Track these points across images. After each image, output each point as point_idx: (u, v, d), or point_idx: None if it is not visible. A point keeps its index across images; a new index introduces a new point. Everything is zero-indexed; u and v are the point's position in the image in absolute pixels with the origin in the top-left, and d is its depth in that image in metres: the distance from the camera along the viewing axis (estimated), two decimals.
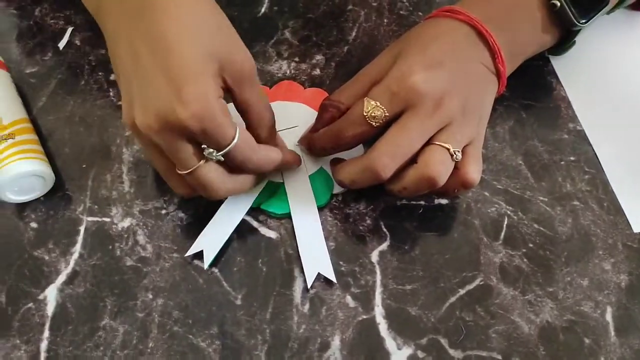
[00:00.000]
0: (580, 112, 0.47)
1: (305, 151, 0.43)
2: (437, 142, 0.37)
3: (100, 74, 0.46)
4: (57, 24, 0.49)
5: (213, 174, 0.35)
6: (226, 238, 0.40)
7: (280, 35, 0.49)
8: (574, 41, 0.45)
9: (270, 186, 0.42)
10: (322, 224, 0.41)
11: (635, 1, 0.49)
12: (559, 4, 0.41)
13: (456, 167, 0.38)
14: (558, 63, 0.49)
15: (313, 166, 0.43)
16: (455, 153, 0.37)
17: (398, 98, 0.37)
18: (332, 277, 0.39)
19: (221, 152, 0.34)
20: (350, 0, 0.52)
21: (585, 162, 0.45)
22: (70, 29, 0.48)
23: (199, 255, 0.40)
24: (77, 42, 0.48)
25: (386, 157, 0.37)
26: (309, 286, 0.39)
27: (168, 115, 0.32)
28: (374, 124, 0.37)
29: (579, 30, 0.43)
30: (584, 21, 0.41)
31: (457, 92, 0.38)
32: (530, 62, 0.48)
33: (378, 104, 0.37)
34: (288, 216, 0.41)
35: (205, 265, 0.39)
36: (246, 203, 0.41)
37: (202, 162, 0.34)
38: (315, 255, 0.40)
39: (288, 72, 0.48)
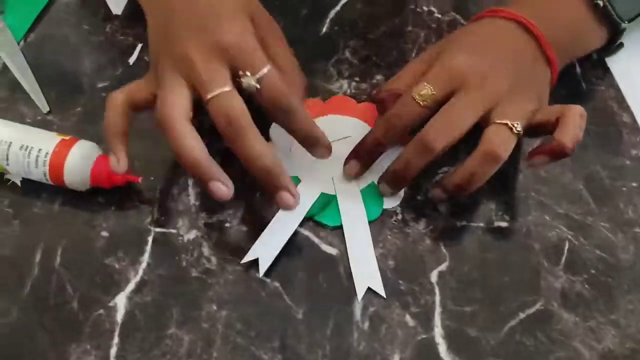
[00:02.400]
0: None
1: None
2: (495, 122, 0.38)
3: None
4: (126, 40, 0.51)
5: (239, 102, 0.37)
6: (281, 247, 0.41)
7: (341, 55, 0.50)
8: (622, 43, 0.46)
9: (323, 198, 0.43)
10: (382, 243, 0.42)
11: None
12: (602, 3, 0.42)
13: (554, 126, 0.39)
14: (627, 86, 0.48)
15: (365, 180, 0.44)
16: (514, 126, 0.38)
17: (444, 79, 0.39)
18: (381, 291, 0.40)
19: (257, 76, 0.37)
20: (410, 21, 0.52)
21: None
22: (140, 45, 0.50)
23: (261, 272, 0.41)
24: (147, 58, 0.50)
25: (436, 130, 0.39)
26: (359, 299, 0.39)
27: (217, 37, 0.37)
28: (421, 102, 0.39)
29: (624, 29, 0.44)
30: (628, 19, 0.43)
31: (503, 72, 0.40)
32: (592, 86, 0.48)
33: (425, 84, 0.39)
34: (340, 228, 0.42)
35: (260, 274, 0.40)
36: (300, 213, 0.42)
37: (232, 88, 0.37)
38: (366, 269, 0.41)
39: (348, 91, 0.49)
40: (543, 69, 0.42)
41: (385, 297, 0.40)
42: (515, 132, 0.38)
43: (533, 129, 0.40)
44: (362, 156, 0.42)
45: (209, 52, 0.37)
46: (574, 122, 0.39)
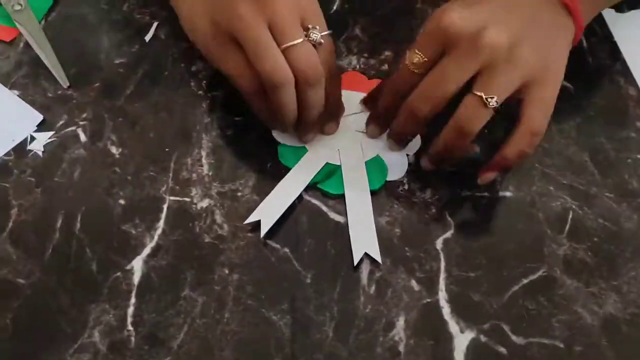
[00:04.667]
0: None
1: (364, 136, 0.45)
2: (473, 92, 0.37)
3: (182, 65, 0.50)
4: (143, 18, 0.53)
5: (313, 50, 0.39)
6: (283, 210, 0.42)
7: (351, 32, 0.51)
8: None
9: (328, 167, 0.44)
10: (388, 212, 0.43)
11: None
12: None
13: (518, 118, 0.38)
14: (632, 59, 0.49)
15: (370, 153, 0.45)
16: (488, 101, 0.36)
17: (433, 40, 0.37)
18: (377, 257, 0.41)
19: (323, 33, 0.39)
20: None
21: None
22: (155, 24, 0.52)
23: (272, 235, 0.42)
24: (162, 36, 0.51)
25: (420, 96, 0.38)
26: (354, 264, 0.41)
27: None
28: (416, 71, 0.38)
29: None
30: None
31: (503, 26, 0.36)
32: (599, 61, 0.49)
33: (417, 50, 0.38)
34: (342, 196, 0.43)
35: (262, 234, 0.42)
36: (304, 180, 0.43)
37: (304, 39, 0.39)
38: (364, 236, 0.42)
39: (358, 66, 0.50)
40: (562, 28, 0.38)
41: (381, 262, 0.41)
42: (490, 106, 0.36)
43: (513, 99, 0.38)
44: (378, 121, 0.44)
45: (287, 7, 0.39)
46: (523, 138, 0.38)
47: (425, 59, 0.38)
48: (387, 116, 0.43)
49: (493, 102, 0.36)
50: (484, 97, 0.36)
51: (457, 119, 0.38)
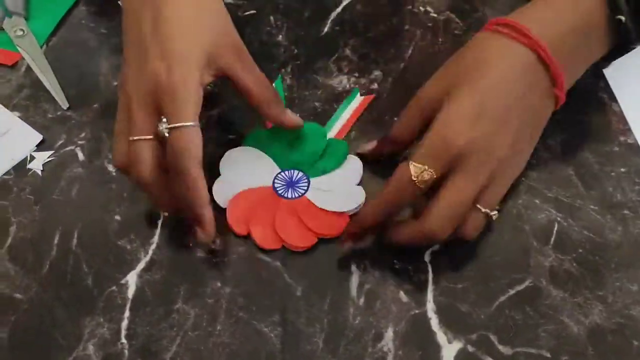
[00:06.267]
0: (634, 125, 0.48)
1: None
2: (477, 205, 0.39)
3: None
4: None
5: (147, 154, 0.39)
6: None
7: (342, 53, 0.53)
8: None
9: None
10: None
11: None
12: (624, 19, 0.39)
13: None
14: (612, 77, 0.50)
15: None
16: (492, 215, 0.40)
17: (445, 160, 0.38)
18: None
19: (170, 126, 0.38)
20: (407, 20, 0.55)
21: (635, 174, 0.46)
22: None
23: (263, 250, 0.43)
24: None
25: (442, 221, 0.38)
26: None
27: (154, 79, 0.38)
28: (423, 187, 0.38)
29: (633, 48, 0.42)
30: None
31: (508, 130, 0.39)
32: (583, 80, 0.50)
33: (426, 167, 0.37)
34: None
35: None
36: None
37: (149, 137, 0.39)
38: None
39: (348, 86, 0.51)
40: (547, 113, 0.42)
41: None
42: (491, 218, 0.40)
43: None
44: (356, 234, 0.41)
45: (148, 93, 0.39)
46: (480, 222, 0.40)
47: (435, 176, 0.38)
48: (374, 224, 0.41)
49: (495, 216, 0.40)
50: (489, 213, 0.40)
51: (464, 231, 0.40)
